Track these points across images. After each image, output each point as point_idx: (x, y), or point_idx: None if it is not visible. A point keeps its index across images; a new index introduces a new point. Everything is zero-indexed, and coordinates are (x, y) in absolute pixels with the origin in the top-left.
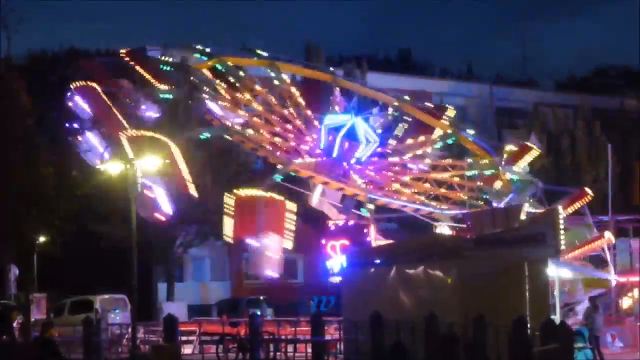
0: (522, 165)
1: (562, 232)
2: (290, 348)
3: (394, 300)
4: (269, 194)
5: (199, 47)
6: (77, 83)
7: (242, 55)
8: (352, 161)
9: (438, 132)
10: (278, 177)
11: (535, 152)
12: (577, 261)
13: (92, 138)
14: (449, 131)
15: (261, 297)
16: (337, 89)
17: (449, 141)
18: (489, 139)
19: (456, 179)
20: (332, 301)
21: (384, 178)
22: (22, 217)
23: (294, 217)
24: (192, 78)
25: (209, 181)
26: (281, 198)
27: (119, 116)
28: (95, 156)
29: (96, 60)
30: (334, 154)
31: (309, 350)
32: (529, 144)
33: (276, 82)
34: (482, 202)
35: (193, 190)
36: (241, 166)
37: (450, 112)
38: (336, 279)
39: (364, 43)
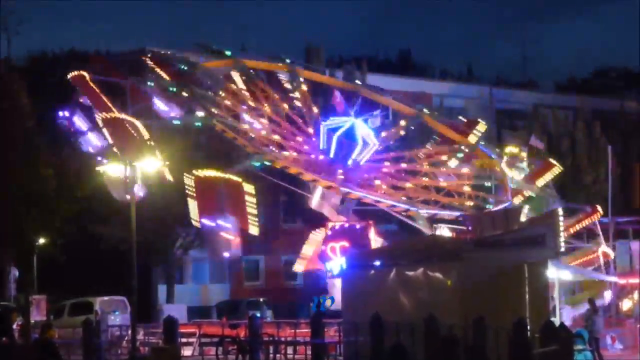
0: (542, 182)
1: (561, 232)
2: (290, 350)
3: (393, 302)
4: (227, 175)
5: (218, 48)
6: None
7: (206, 55)
8: (349, 162)
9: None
10: (253, 163)
11: (557, 170)
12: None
13: (92, 138)
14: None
15: (261, 299)
16: (337, 90)
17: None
18: (488, 140)
19: (449, 169)
20: (332, 301)
21: (382, 179)
22: (22, 218)
23: (254, 200)
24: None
25: None
26: (239, 179)
27: (108, 103)
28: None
29: (93, 77)
30: (331, 154)
31: (309, 352)
32: (552, 160)
33: (288, 85)
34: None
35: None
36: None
37: (482, 127)
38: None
39: (364, 44)
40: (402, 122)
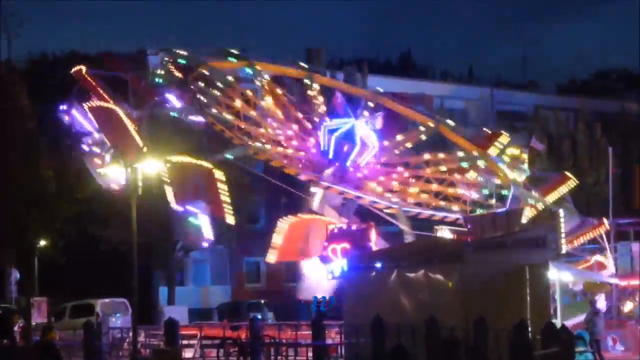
0: (556, 196)
1: (562, 234)
2: (291, 352)
3: (394, 304)
4: (198, 162)
5: (180, 51)
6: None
7: (219, 58)
8: (348, 164)
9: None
10: (230, 155)
11: (572, 183)
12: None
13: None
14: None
15: (262, 301)
16: (339, 93)
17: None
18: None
19: (455, 175)
20: (332, 301)
21: (381, 180)
22: (22, 219)
23: (225, 187)
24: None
25: None
26: (209, 166)
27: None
28: (94, 163)
29: (91, 72)
30: (330, 155)
31: (310, 354)
32: (567, 173)
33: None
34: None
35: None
36: (242, 170)
37: (504, 139)
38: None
39: (364, 46)
40: (422, 128)
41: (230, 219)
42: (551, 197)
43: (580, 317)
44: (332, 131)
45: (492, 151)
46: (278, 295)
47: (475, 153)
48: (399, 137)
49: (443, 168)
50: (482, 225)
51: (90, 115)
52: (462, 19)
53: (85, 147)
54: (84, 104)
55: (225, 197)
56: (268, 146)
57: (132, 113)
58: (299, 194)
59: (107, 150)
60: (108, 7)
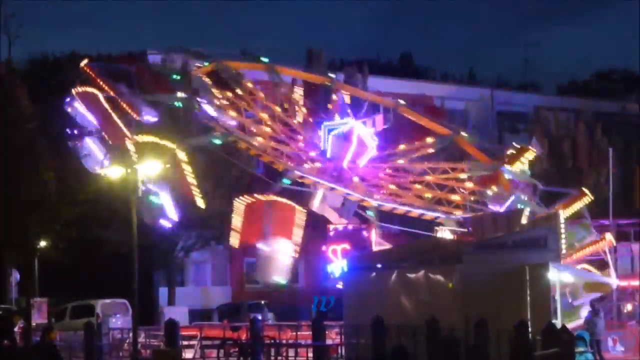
0: (572, 211)
1: (562, 235)
2: (291, 352)
3: (395, 305)
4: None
5: (199, 50)
6: (78, 89)
7: (239, 59)
8: (344, 163)
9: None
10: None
11: (588, 199)
12: (579, 264)
13: (91, 144)
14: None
15: (262, 302)
16: (341, 92)
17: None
18: (490, 142)
19: (458, 183)
20: (332, 301)
21: (383, 180)
22: (23, 221)
23: (189, 168)
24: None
25: (210, 186)
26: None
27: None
28: (94, 162)
29: (95, 65)
30: (327, 155)
31: (310, 354)
32: (585, 190)
33: (276, 84)
34: (483, 206)
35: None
36: (242, 171)
37: (530, 154)
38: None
39: (365, 47)
40: (430, 140)
41: (200, 202)
42: (567, 212)
43: (580, 321)
44: (330, 130)
45: (517, 166)
46: (278, 296)
47: (488, 164)
48: (403, 147)
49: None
50: (482, 226)
51: (80, 102)
52: (463, 20)
53: (86, 141)
54: (72, 90)
55: (191, 180)
56: (260, 139)
57: (138, 104)
58: (302, 188)
59: (107, 150)
60: (109, 8)
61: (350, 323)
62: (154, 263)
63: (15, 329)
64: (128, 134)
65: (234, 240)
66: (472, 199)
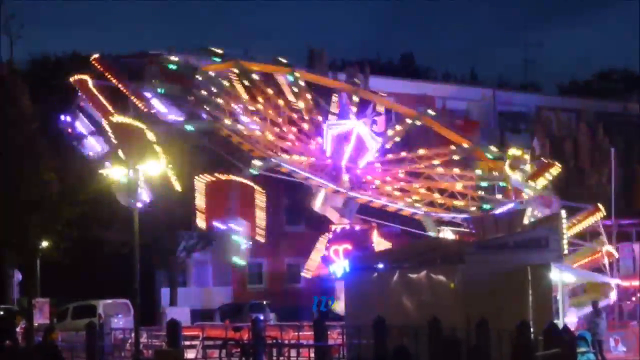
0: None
1: (564, 235)
2: (293, 353)
3: (397, 305)
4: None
5: (214, 49)
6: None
7: (261, 60)
8: (342, 162)
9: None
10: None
11: (600, 215)
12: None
13: (93, 142)
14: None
15: (264, 302)
16: (344, 94)
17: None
18: (491, 143)
19: (459, 187)
20: (332, 302)
21: (385, 181)
22: (24, 221)
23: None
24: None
25: None
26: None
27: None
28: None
29: (103, 59)
30: (327, 153)
31: (312, 354)
32: (599, 205)
33: (294, 89)
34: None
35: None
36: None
37: (556, 170)
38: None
39: (366, 48)
40: (452, 148)
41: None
42: (581, 226)
43: (587, 309)
44: (337, 134)
45: (540, 182)
46: (280, 296)
47: (496, 173)
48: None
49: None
50: (484, 226)
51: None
52: (463, 20)
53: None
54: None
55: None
56: (286, 156)
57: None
58: (304, 180)
59: (109, 151)
60: (109, 8)
61: (352, 323)
62: (156, 263)
63: (17, 329)
64: (112, 111)
65: (201, 222)
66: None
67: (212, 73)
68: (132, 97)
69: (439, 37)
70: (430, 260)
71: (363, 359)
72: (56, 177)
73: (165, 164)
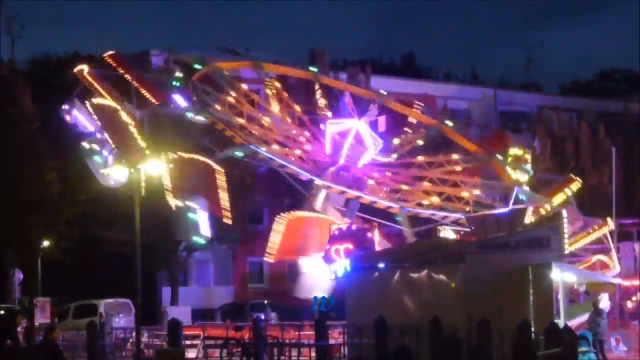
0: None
1: (565, 234)
2: (294, 352)
3: (398, 304)
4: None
5: (192, 55)
6: (91, 102)
7: (230, 59)
8: (341, 160)
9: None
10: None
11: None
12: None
13: (94, 146)
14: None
15: (265, 301)
16: (348, 93)
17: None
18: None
19: (459, 176)
20: (332, 301)
21: (392, 181)
22: (26, 221)
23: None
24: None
25: None
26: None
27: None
28: (97, 164)
29: (94, 71)
30: (341, 160)
31: (313, 354)
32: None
33: (268, 90)
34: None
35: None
36: (244, 171)
37: (576, 185)
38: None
39: (367, 47)
40: (456, 156)
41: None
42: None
43: (583, 317)
44: (337, 134)
45: (559, 198)
46: (281, 295)
47: (480, 155)
48: (398, 140)
49: (449, 169)
50: (485, 226)
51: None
52: (465, 21)
53: (86, 145)
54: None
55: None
56: (276, 146)
57: (136, 113)
58: (303, 191)
59: (110, 151)
60: (109, 8)
61: (353, 323)
62: (157, 263)
63: (18, 329)
64: (143, 145)
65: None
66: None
67: (226, 72)
68: (144, 90)
69: (439, 37)
70: (431, 259)
71: (364, 359)
72: (57, 176)
73: (144, 146)
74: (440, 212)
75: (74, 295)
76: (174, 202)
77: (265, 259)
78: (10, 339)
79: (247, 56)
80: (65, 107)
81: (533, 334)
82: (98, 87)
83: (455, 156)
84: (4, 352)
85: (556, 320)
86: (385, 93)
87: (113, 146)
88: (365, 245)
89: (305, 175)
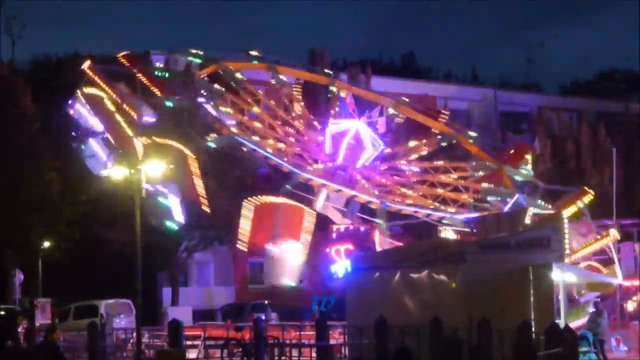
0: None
1: (566, 235)
2: (295, 352)
3: (398, 305)
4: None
5: (198, 51)
6: (83, 90)
7: (242, 60)
8: (358, 165)
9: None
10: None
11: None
12: (585, 261)
13: (95, 145)
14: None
15: (266, 302)
16: (349, 93)
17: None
18: (493, 143)
19: (461, 181)
20: (332, 301)
21: (389, 181)
22: (26, 221)
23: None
24: (194, 86)
25: (213, 186)
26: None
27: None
28: (98, 164)
29: (97, 66)
30: (339, 160)
31: (314, 354)
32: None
33: (276, 85)
34: (487, 204)
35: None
36: (244, 171)
37: (588, 198)
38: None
39: (368, 47)
40: (473, 163)
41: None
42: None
43: (582, 320)
44: (337, 134)
45: (571, 209)
46: (281, 296)
47: (490, 164)
48: (413, 144)
49: (453, 176)
50: (486, 226)
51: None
52: (465, 21)
53: (90, 142)
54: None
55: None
56: (318, 166)
57: (139, 106)
58: (305, 195)
59: (111, 151)
60: (109, 8)
61: (354, 323)
62: (158, 263)
63: (19, 330)
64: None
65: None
66: (474, 198)
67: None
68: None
69: (439, 37)
70: (431, 260)
71: (365, 359)
72: (57, 177)
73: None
74: (422, 209)
75: (75, 296)
76: (146, 186)
77: (237, 246)
78: (10, 340)
79: (263, 58)
80: (70, 102)
81: (533, 334)
82: (100, 82)
83: (473, 162)
84: (4, 353)
85: (557, 321)
86: (405, 100)
87: (113, 146)
88: (365, 245)
89: (286, 167)
